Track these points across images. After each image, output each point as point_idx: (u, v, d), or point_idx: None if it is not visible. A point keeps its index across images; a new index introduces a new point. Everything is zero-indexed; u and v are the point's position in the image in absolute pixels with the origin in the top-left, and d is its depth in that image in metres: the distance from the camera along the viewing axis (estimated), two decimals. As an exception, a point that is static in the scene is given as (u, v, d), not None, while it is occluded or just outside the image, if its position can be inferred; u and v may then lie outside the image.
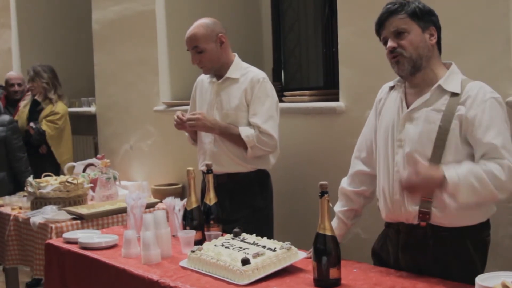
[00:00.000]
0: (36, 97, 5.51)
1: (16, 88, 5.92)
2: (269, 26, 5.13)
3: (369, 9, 3.39)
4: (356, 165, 2.76)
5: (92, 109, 5.93)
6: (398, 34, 2.42)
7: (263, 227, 3.41)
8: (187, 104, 4.51)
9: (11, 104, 5.88)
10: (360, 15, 3.47)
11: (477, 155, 2.32)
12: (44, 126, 5.39)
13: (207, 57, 3.44)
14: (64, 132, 5.56)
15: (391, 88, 2.61)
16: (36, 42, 7.01)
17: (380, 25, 2.48)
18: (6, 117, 5.21)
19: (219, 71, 3.51)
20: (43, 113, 5.45)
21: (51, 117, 5.44)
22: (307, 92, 4.04)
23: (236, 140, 3.39)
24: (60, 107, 5.52)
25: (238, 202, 3.46)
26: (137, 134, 5.37)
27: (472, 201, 2.29)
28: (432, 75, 2.44)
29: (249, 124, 3.41)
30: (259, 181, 3.53)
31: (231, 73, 3.47)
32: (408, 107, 2.47)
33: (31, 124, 5.40)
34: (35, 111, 5.48)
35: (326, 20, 4.51)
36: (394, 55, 2.43)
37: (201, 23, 3.49)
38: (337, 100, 3.70)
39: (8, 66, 6.78)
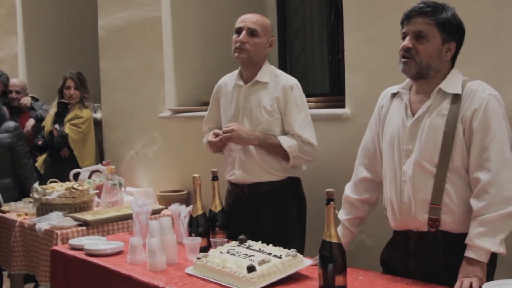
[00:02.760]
0: (70, 103, 5.49)
1: (14, 95, 5.92)
2: (275, 32, 5.12)
3: (375, 15, 3.39)
4: (360, 172, 2.75)
5: (97, 115, 5.94)
6: (419, 37, 2.40)
7: (296, 236, 3.33)
8: (193, 111, 4.53)
9: (15, 111, 5.88)
10: (366, 22, 3.47)
11: (471, 164, 2.34)
12: (67, 129, 5.35)
13: (255, 44, 3.31)
14: (87, 137, 5.51)
15: (394, 94, 2.61)
16: (42, 48, 7.02)
17: (407, 19, 2.44)
18: (11, 124, 5.21)
19: (248, 71, 3.38)
20: (68, 117, 5.42)
21: (75, 121, 5.41)
22: (313, 98, 4.03)
23: (276, 150, 3.26)
24: (85, 112, 5.51)
25: (271, 213, 3.32)
26: (143, 140, 5.37)
27: None
28: (437, 84, 2.43)
29: (284, 132, 3.31)
30: (290, 188, 3.39)
31: (260, 76, 3.34)
32: (413, 115, 2.46)
33: (56, 126, 5.38)
34: (61, 114, 5.46)
35: (332, 27, 4.51)
36: (405, 55, 2.42)
37: (265, 17, 3.45)
38: (343, 106, 3.70)
39: (14, 72, 6.79)
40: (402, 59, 2.43)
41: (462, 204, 2.36)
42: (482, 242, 2.24)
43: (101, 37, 5.81)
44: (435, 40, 2.39)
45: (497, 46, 2.94)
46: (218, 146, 3.39)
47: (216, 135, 3.34)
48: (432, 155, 2.38)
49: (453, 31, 2.42)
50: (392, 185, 2.52)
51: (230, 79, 3.50)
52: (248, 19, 3.36)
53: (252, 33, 3.31)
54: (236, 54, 3.34)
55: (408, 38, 2.42)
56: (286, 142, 3.24)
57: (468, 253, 2.27)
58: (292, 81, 3.35)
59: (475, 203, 2.29)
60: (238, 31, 3.35)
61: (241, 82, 3.41)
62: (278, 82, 3.33)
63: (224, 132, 3.27)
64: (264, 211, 3.32)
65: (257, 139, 3.26)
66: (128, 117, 5.52)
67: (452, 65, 2.48)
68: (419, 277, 2.43)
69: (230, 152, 3.40)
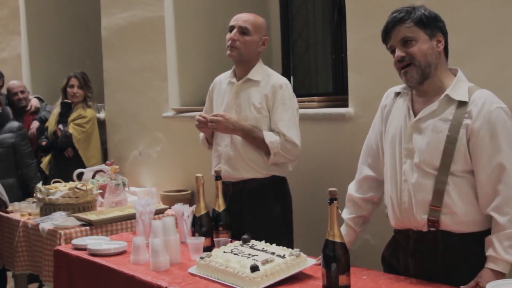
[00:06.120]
0: (74, 102, 5.49)
1: (20, 96, 5.92)
2: (278, 32, 5.13)
3: (378, 14, 3.38)
4: (364, 171, 2.75)
5: (101, 115, 5.94)
6: (406, 43, 2.39)
7: (282, 234, 3.36)
8: (196, 110, 4.53)
9: (17, 112, 5.88)
10: (369, 21, 3.46)
11: (482, 177, 2.31)
12: (71, 129, 5.35)
13: (246, 42, 3.36)
14: (92, 137, 5.52)
15: (397, 94, 2.60)
16: (45, 49, 7.04)
17: (386, 34, 2.46)
18: (15, 124, 5.23)
19: (241, 69, 3.44)
20: (71, 117, 5.42)
21: (78, 121, 5.42)
22: (316, 98, 4.04)
23: (259, 144, 3.30)
24: (89, 111, 5.52)
25: (255, 210, 3.37)
26: (146, 140, 5.37)
27: None
28: (439, 83, 2.42)
29: (271, 129, 3.35)
30: (275, 187, 3.43)
31: (252, 74, 3.40)
32: (415, 115, 2.46)
33: (60, 126, 5.38)
34: (65, 115, 5.47)
35: (335, 26, 4.51)
36: (403, 65, 2.41)
37: (259, 16, 3.48)
38: (346, 106, 3.70)
39: (17, 72, 6.81)
40: (402, 71, 2.42)
41: (464, 205, 2.35)
42: (510, 256, 2.25)
43: (104, 37, 5.82)
44: (423, 39, 2.39)
45: (500, 45, 2.93)
46: (204, 129, 3.45)
47: (204, 117, 3.40)
48: (433, 158, 2.37)
49: (433, 22, 2.41)
50: (393, 183, 2.51)
51: (225, 77, 3.57)
52: (240, 17, 3.42)
53: (243, 31, 3.37)
54: (228, 52, 3.41)
55: (397, 49, 2.42)
56: (269, 137, 3.29)
57: (492, 266, 2.26)
58: (282, 80, 3.41)
59: (498, 217, 2.27)
60: (231, 29, 3.42)
61: (234, 80, 3.48)
62: (268, 80, 3.40)
63: (211, 121, 3.32)
64: (249, 209, 3.37)
65: (242, 131, 3.32)
66: (132, 117, 5.53)
67: (446, 57, 2.47)
68: (419, 276, 2.42)
69: (217, 147, 3.46)
